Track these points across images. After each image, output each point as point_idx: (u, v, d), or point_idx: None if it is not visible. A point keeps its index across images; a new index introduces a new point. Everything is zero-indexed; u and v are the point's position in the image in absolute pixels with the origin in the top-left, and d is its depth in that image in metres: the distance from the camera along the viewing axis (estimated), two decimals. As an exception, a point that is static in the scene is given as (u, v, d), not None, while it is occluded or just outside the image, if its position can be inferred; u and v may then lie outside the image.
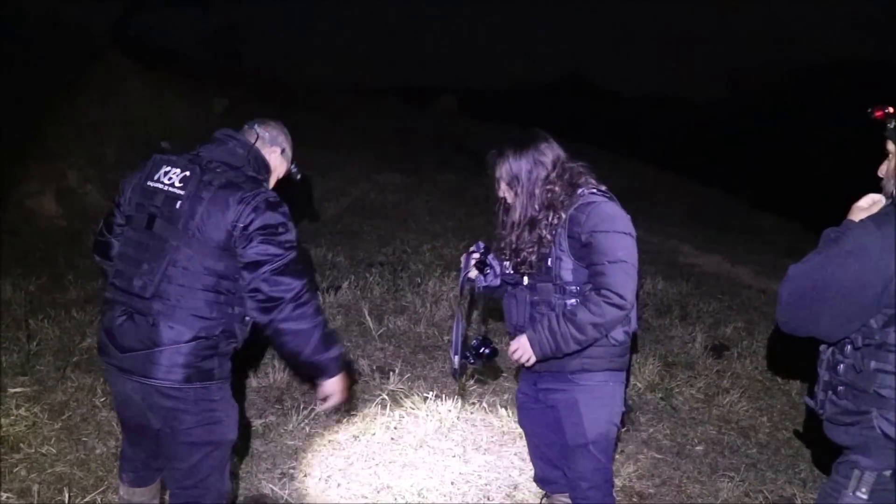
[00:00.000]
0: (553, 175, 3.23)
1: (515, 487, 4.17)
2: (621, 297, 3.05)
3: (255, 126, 3.25)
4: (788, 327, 2.46)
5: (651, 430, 4.81)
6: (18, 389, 4.67)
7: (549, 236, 3.20)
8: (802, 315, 2.37)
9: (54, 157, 8.82)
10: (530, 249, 3.24)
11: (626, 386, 4.15)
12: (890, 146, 2.44)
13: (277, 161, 3.29)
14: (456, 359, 3.37)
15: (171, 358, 2.91)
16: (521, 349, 3.26)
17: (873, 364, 2.27)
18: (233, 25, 28.57)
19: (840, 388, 2.39)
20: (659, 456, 4.54)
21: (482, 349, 3.39)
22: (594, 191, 3.23)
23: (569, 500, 3.53)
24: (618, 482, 4.19)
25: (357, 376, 5.16)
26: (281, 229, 2.95)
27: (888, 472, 2.29)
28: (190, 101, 11.34)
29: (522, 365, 3.39)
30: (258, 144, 3.19)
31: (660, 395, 5.19)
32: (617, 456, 4.44)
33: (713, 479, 4.31)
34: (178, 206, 2.93)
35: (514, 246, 3.29)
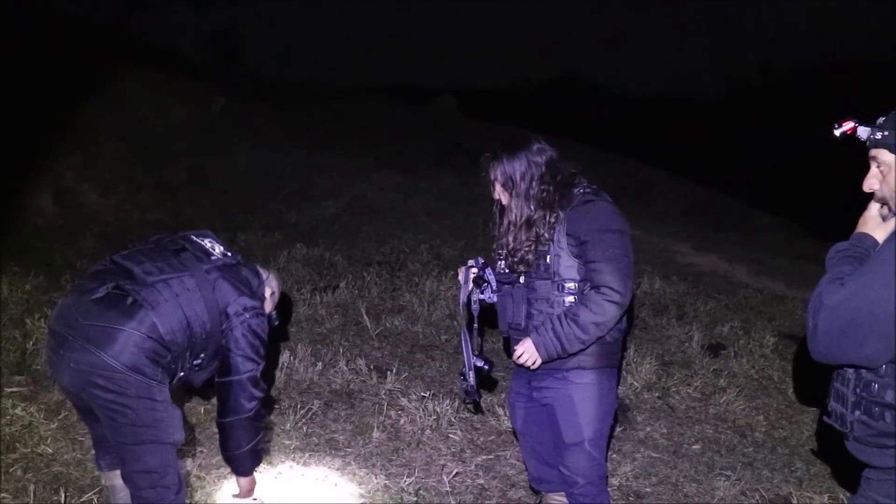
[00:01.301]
0: (547, 175, 3.25)
1: (512, 487, 4.17)
2: (620, 293, 3.10)
3: (256, 267, 3.53)
4: (827, 358, 2.32)
5: (648, 429, 4.81)
6: (15, 389, 4.67)
7: (546, 234, 3.22)
8: (844, 344, 2.21)
9: (51, 156, 8.82)
10: (527, 248, 3.26)
11: (618, 383, 4.16)
12: (884, 156, 2.30)
13: (266, 304, 3.51)
14: (471, 375, 3.39)
15: (129, 339, 2.90)
16: (528, 353, 3.27)
17: None
18: (231, 25, 28.61)
19: (875, 408, 2.25)
20: (656, 455, 4.54)
21: (482, 365, 3.44)
22: (588, 190, 3.27)
23: (564, 500, 3.54)
24: (615, 481, 4.20)
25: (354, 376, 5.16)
26: (254, 344, 3.29)
27: None
28: (188, 100, 11.34)
29: (518, 365, 3.41)
30: (254, 283, 3.41)
31: (657, 394, 5.19)
32: (614, 455, 4.44)
33: (710, 477, 4.32)
34: (210, 258, 3.23)
35: (511, 246, 3.31)
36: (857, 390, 2.30)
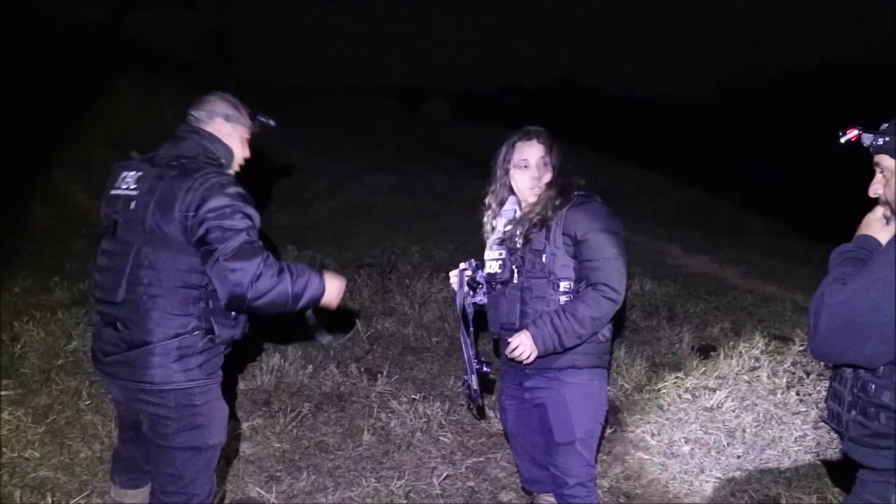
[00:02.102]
0: (566, 171, 3.44)
1: (502, 489, 4.17)
2: (616, 291, 3.19)
3: (191, 113, 3.23)
4: (828, 357, 2.36)
5: (638, 430, 4.82)
6: (2, 392, 4.65)
7: (551, 214, 3.33)
8: (845, 344, 2.23)
9: (41, 157, 8.79)
10: (531, 222, 3.36)
11: (608, 384, 4.16)
12: (887, 161, 2.35)
13: (227, 132, 3.23)
14: (474, 378, 3.40)
15: (147, 359, 2.92)
16: (523, 345, 3.29)
17: None
18: (224, 26, 28.57)
19: (871, 409, 2.27)
20: (646, 456, 4.55)
21: (483, 368, 3.44)
22: (583, 192, 3.38)
23: (554, 500, 3.54)
24: (605, 483, 4.21)
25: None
26: (228, 211, 2.89)
27: None
28: (180, 102, 11.28)
29: (508, 365, 3.42)
30: (202, 127, 3.18)
31: (647, 395, 5.20)
32: (604, 457, 4.45)
33: (699, 479, 4.33)
34: (132, 206, 2.96)
35: (519, 228, 3.40)
36: (855, 390, 2.33)
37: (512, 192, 3.54)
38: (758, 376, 5.43)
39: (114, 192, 3.06)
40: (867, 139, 2.37)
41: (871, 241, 2.42)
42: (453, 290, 3.53)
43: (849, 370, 2.36)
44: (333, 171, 10.67)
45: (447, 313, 6.27)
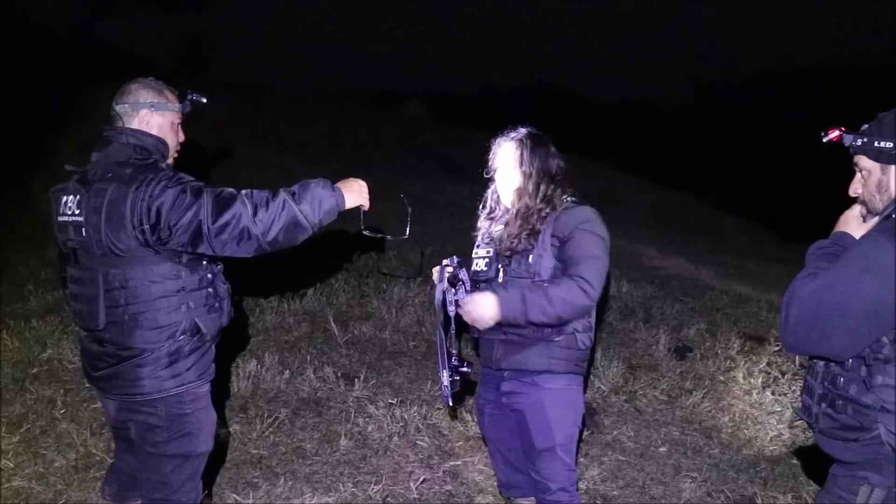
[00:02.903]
0: (556, 177, 3.38)
1: (480, 492, 4.18)
2: (591, 286, 3.13)
3: (114, 107, 3.08)
4: (797, 349, 2.41)
5: (615, 432, 4.84)
6: (-24, 402, 4.61)
7: (539, 226, 3.29)
8: (813, 336, 2.28)
9: (14, 164, 8.72)
10: (519, 238, 3.31)
11: (585, 389, 4.17)
12: (864, 161, 2.42)
13: (156, 122, 3.08)
14: (445, 374, 3.33)
15: (137, 372, 2.92)
16: (487, 305, 3.17)
17: (881, 379, 2.20)
18: (199, 31, 28.46)
19: (839, 402, 2.32)
20: (623, 458, 4.56)
21: (462, 366, 3.39)
22: (575, 198, 3.39)
23: None
24: (582, 485, 4.21)
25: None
26: (181, 195, 2.81)
27: None
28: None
29: (486, 367, 3.42)
30: (128, 123, 3.04)
31: (624, 397, 5.22)
32: (581, 459, 4.46)
33: (676, 479, 4.35)
34: (83, 233, 2.89)
35: (504, 233, 3.39)
36: (825, 384, 2.38)
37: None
38: (734, 377, 5.47)
39: (61, 218, 2.98)
40: (848, 140, 2.42)
41: (846, 238, 2.47)
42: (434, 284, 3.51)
43: (820, 364, 2.41)
44: (309, 175, 10.59)
45: (424, 317, 6.27)
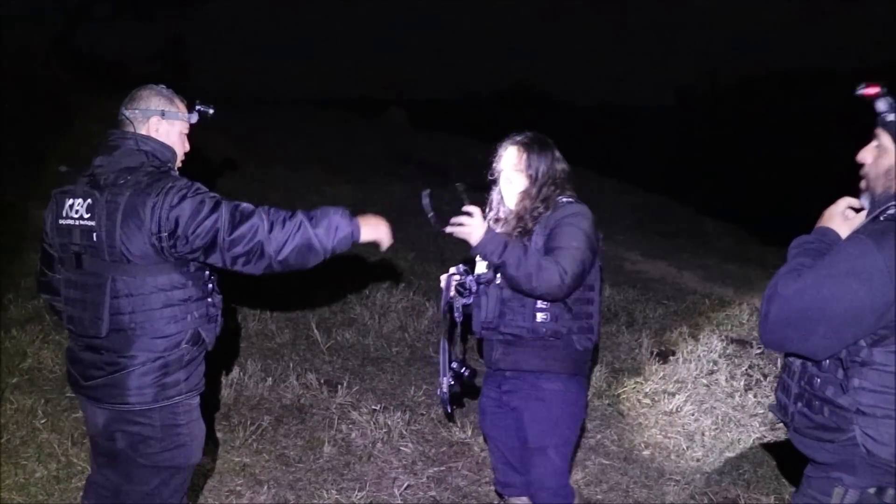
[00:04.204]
0: (559, 180, 3.41)
1: (464, 497, 4.17)
2: (564, 271, 3.13)
3: (123, 112, 3.05)
4: (773, 346, 2.42)
5: (599, 436, 4.85)
6: (-44, 413, 4.57)
7: (531, 225, 3.33)
8: (792, 335, 2.27)
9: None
10: (509, 237, 3.32)
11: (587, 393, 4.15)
12: (884, 138, 2.34)
13: (165, 129, 3.06)
14: (444, 381, 3.39)
15: (136, 381, 2.88)
16: (472, 225, 3.21)
17: (857, 382, 2.21)
18: (180, 38, 28.35)
19: (815, 402, 2.32)
20: (606, 462, 4.57)
21: (462, 370, 3.45)
22: (572, 199, 3.42)
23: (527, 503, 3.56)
24: (566, 489, 4.22)
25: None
26: (200, 205, 2.80)
27: (872, 490, 2.25)
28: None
29: (489, 367, 3.43)
30: (139, 130, 3.02)
31: (607, 401, 5.23)
32: (565, 463, 4.47)
33: (660, 483, 4.36)
34: (94, 237, 2.85)
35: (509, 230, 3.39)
36: (801, 383, 2.38)
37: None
38: (716, 380, 5.49)
39: (64, 221, 2.94)
40: (881, 105, 2.33)
41: (830, 234, 2.45)
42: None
43: (797, 363, 2.41)
44: (291, 181, 10.63)
45: (407, 323, 6.27)
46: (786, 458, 4.53)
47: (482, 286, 3.40)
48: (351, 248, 3.14)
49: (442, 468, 4.43)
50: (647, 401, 5.27)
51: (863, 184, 2.44)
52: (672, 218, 13.50)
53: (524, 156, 3.40)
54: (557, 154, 3.45)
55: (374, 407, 4.95)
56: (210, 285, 3.05)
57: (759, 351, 5.82)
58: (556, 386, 3.34)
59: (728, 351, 5.92)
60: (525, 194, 3.39)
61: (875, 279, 2.13)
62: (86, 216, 2.87)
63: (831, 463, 2.32)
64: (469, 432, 4.72)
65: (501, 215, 3.53)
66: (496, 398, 3.53)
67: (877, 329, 2.17)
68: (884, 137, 2.34)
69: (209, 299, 3.03)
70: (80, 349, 3.00)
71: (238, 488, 4.16)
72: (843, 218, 2.49)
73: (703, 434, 4.87)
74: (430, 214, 3.31)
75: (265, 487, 4.15)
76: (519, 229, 3.34)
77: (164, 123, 3.05)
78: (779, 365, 5.58)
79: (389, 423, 4.75)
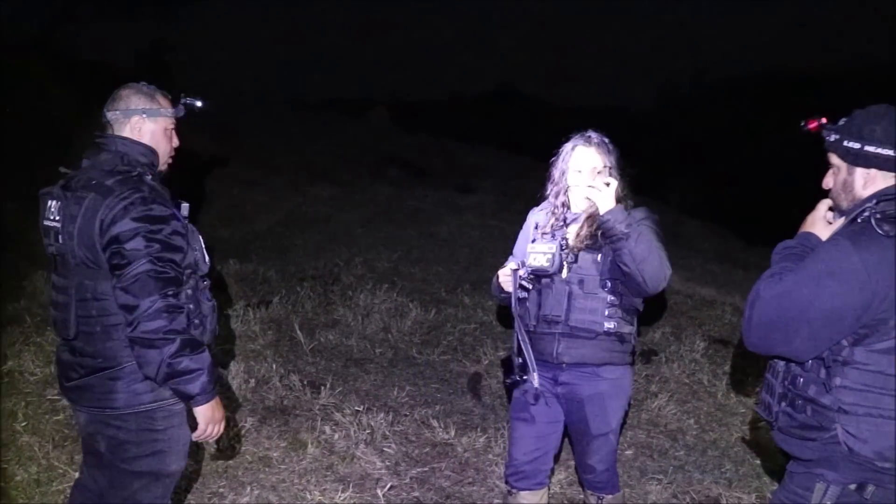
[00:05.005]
0: (626, 179, 3.51)
1: (447, 498, 4.17)
2: (668, 269, 3.34)
3: (105, 113, 2.99)
4: (758, 348, 2.43)
5: (582, 436, 4.85)
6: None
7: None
8: (776, 337, 2.33)
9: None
10: (589, 238, 3.40)
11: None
12: (834, 158, 2.44)
13: (148, 128, 2.99)
14: (536, 376, 3.38)
15: (107, 385, 2.85)
16: (606, 195, 3.27)
17: (839, 381, 2.25)
18: (163, 38, 28.19)
19: (798, 401, 2.37)
20: (589, 462, 4.58)
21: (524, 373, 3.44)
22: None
23: (537, 500, 3.62)
24: (550, 489, 4.22)
25: (287, 391, 5.12)
26: (129, 235, 2.71)
27: (853, 486, 2.29)
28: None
29: (542, 360, 3.43)
30: (119, 131, 2.97)
31: (590, 401, 5.24)
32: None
33: (642, 482, 4.38)
34: (60, 240, 2.84)
35: (578, 234, 3.45)
36: (785, 383, 2.43)
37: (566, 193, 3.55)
38: (699, 379, 5.52)
39: (45, 223, 2.93)
40: (826, 133, 2.44)
41: (812, 239, 2.51)
42: (497, 288, 3.53)
43: (781, 363, 2.45)
44: (274, 183, 10.61)
45: (390, 324, 6.27)
46: (767, 457, 4.56)
47: (545, 280, 3.42)
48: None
49: (425, 469, 4.43)
50: (631, 401, 5.27)
51: (828, 215, 2.55)
52: (655, 218, 13.52)
53: (602, 157, 3.45)
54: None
55: (357, 408, 4.94)
56: (191, 290, 2.93)
57: (740, 350, 5.85)
58: (615, 375, 3.45)
59: (710, 351, 5.95)
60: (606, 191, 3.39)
61: (853, 279, 2.17)
62: (56, 217, 2.86)
63: (814, 459, 2.36)
64: (452, 433, 4.72)
65: (563, 214, 3.53)
66: (550, 390, 3.52)
67: (857, 328, 2.21)
68: (833, 158, 2.45)
69: (190, 305, 2.91)
70: (62, 351, 2.99)
71: (221, 490, 4.14)
72: (824, 222, 2.56)
73: (685, 433, 4.90)
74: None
75: (248, 489, 4.13)
76: (594, 227, 3.39)
77: (147, 122, 2.99)
78: (760, 364, 5.61)
79: (372, 424, 4.75)
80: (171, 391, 2.88)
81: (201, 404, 2.85)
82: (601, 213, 3.28)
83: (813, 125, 2.46)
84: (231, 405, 4.95)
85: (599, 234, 3.35)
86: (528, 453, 3.63)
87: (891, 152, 2.31)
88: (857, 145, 2.35)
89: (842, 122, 2.42)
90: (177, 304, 2.78)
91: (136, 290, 2.69)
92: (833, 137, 2.41)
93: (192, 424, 2.93)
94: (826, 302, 2.20)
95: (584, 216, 3.47)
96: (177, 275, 2.81)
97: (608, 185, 3.29)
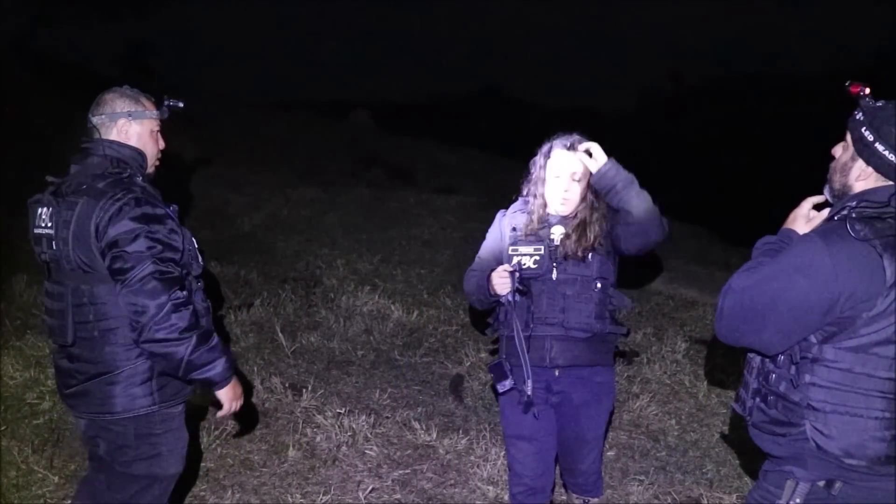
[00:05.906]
0: None
1: (429, 500, 4.17)
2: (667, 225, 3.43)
3: (90, 118, 3.02)
4: (728, 339, 2.46)
5: (563, 437, 4.86)
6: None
7: (598, 229, 3.42)
8: (745, 328, 2.37)
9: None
10: (577, 243, 3.39)
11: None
12: (847, 136, 2.41)
13: (135, 131, 3.03)
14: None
15: (105, 390, 2.87)
16: (599, 149, 3.31)
17: (808, 377, 2.28)
18: (144, 40, 28.06)
19: (770, 397, 2.41)
20: (571, 463, 4.58)
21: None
22: None
23: None
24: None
25: (267, 394, 5.11)
26: (130, 236, 2.75)
27: (822, 483, 2.31)
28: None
29: (535, 365, 3.37)
30: (106, 135, 2.99)
31: (572, 402, 5.24)
32: (530, 465, 4.48)
33: (624, 483, 4.39)
34: (54, 246, 2.85)
35: (574, 237, 3.43)
36: (759, 378, 2.48)
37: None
38: (680, 380, 5.54)
39: (36, 231, 2.95)
40: (862, 103, 2.39)
41: (793, 235, 2.55)
42: (483, 290, 3.45)
43: (756, 360, 2.51)
44: (256, 184, 10.57)
45: (372, 326, 6.25)
46: (749, 457, 4.58)
47: (533, 281, 3.40)
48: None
49: (407, 471, 4.43)
50: (614, 402, 5.29)
51: (811, 211, 2.60)
52: (637, 220, 13.55)
53: (581, 161, 3.41)
54: None
55: (338, 410, 4.93)
56: (186, 292, 2.95)
57: (721, 351, 5.87)
58: (604, 378, 3.48)
59: (692, 351, 5.97)
60: (580, 199, 3.45)
61: (820, 276, 2.20)
62: (48, 224, 2.87)
63: (784, 457, 2.40)
64: (434, 435, 4.72)
65: (543, 216, 3.50)
66: (544, 399, 3.48)
67: (824, 324, 2.24)
68: (847, 135, 2.43)
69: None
70: (59, 358, 3.01)
71: (202, 493, 4.13)
72: (805, 220, 2.61)
73: (666, 434, 4.91)
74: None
75: (229, 492, 4.12)
76: (582, 238, 3.38)
77: (133, 125, 3.02)
78: (741, 365, 5.63)
79: (354, 426, 4.74)
80: (173, 392, 2.99)
81: (223, 388, 3.01)
82: (599, 166, 3.27)
83: (856, 89, 2.40)
84: (212, 409, 4.92)
85: (603, 193, 3.32)
86: (535, 470, 3.59)
87: (893, 159, 2.30)
88: (871, 137, 2.33)
89: (878, 104, 2.37)
90: (185, 301, 2.84)
91: (144, 294, 2.73)
92: (859, 116, 2.38)
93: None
94: (793, 295, 2.23)
95: (566, 222, 3.46)
96: (179, 274, 2.87)
97: (588, 151, 3.32)
